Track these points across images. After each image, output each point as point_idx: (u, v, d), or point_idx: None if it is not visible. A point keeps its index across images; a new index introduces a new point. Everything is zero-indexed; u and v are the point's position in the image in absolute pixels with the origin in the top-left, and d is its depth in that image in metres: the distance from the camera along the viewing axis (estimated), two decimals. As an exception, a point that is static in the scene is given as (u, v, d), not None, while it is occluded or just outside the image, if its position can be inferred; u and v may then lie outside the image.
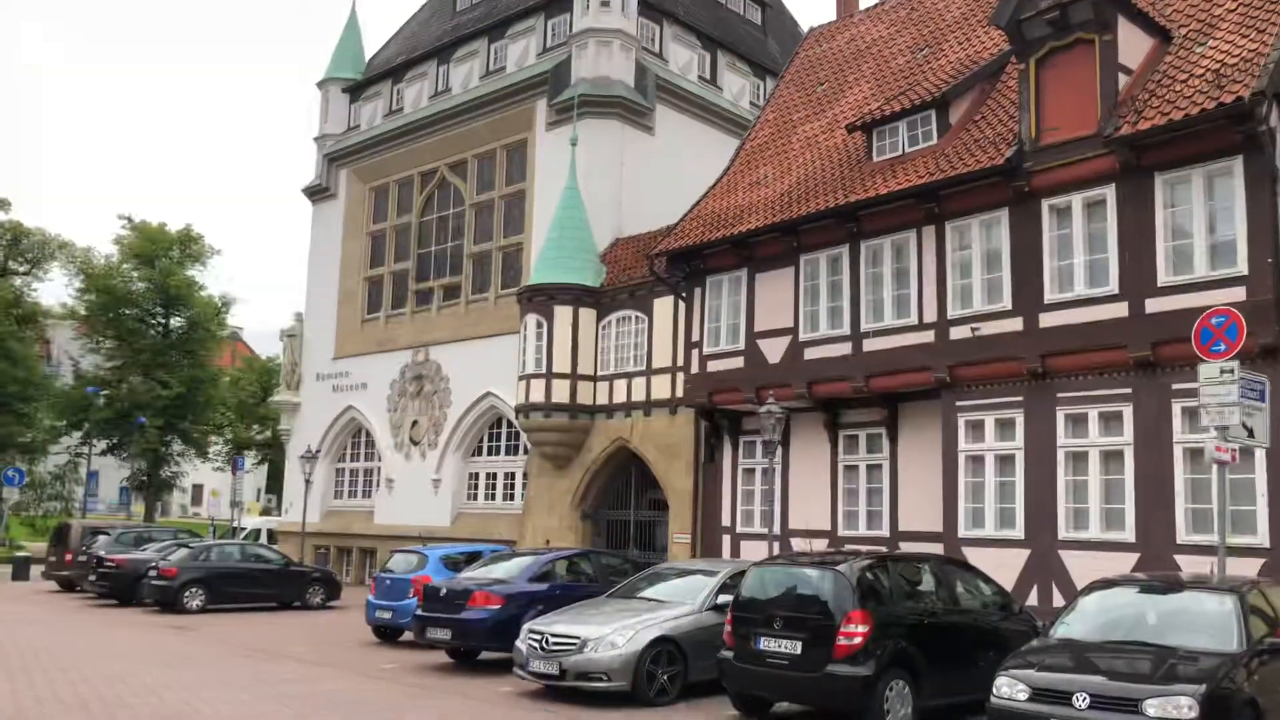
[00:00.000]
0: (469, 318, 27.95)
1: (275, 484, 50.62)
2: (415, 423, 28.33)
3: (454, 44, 30.06)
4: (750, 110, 28.54)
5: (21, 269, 46.62)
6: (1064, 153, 14.17)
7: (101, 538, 24.75)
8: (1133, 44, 14.12)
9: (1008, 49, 16.04)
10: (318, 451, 29.15)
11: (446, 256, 29.38)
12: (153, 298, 43.18)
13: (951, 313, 15.58)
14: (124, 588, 22.73)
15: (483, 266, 28.19)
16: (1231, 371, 10.15)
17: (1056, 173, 14.31)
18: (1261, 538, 12.09)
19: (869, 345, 16.68)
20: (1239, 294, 12.30)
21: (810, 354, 17.60)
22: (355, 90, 33.24)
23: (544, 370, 22.72)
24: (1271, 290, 12.21)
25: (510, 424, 25.87)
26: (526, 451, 24.81)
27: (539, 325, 22.94)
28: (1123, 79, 13.90)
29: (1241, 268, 12.53)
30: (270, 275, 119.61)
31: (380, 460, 29.48)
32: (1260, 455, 11.86)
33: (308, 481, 27.61)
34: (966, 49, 18.69)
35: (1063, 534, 13.94)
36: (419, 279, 30.05)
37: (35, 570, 29.61)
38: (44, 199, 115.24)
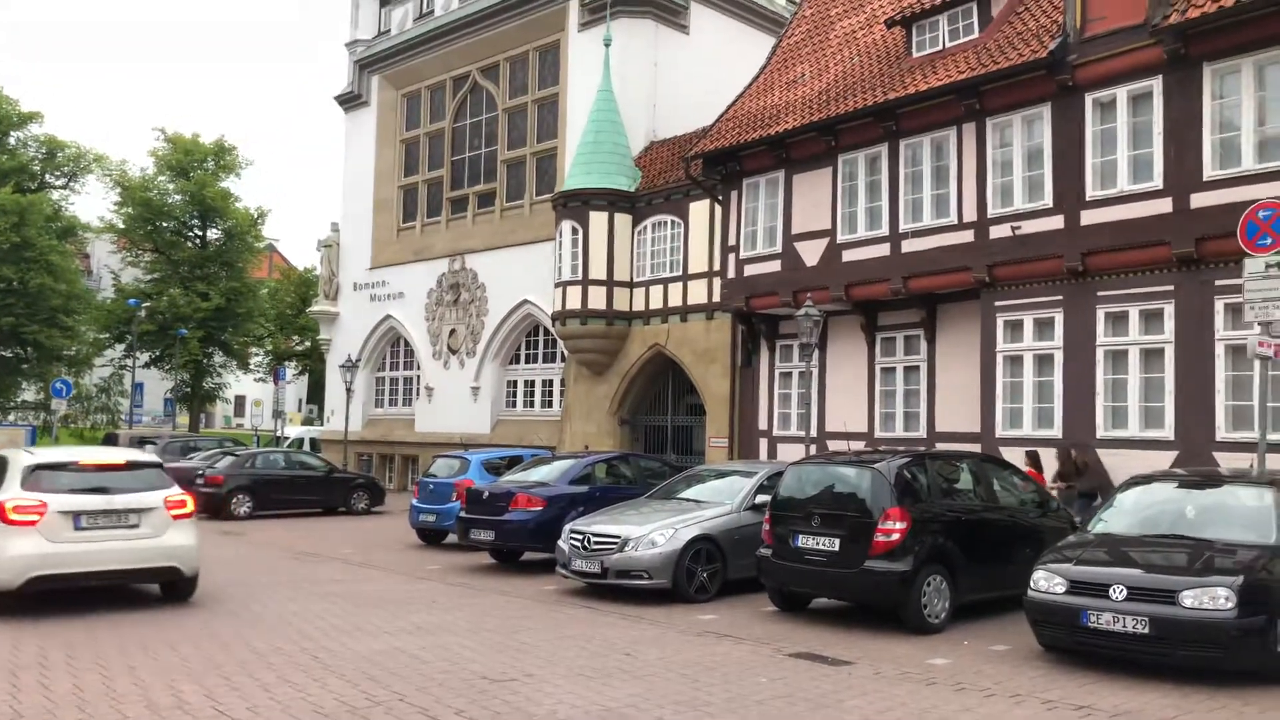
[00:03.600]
0: (504, 225, 27.96)
1: (316, 394, 51.58)
2: (453, 331, 28.63)
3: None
4: (787, 7, 27.79)
5: (58, 183, 47.01)
6: (1110, 44, 13.76)
7: (149, 447, 25.48)
8: (1187, -73, 13.52)
9: (1055, -65, 15.43)
10: (357, 361, 29.62)
11: (481, 163, 29.26)
12: (189, 210, 43.46)
13: (991, 211, 15.39)
14: (173, 495, 23.35)
15: (517, 173, 28.07)
16: (1278, 265, 10.01)
17: (1101, 65, 13.93)
18: (1302, 434, 12.04)
19: (907, 246, 16.54)
20: (1289, 187, 12.03)
21: (848, 256, 17.49)
22: (381, -8, 32.75)
23: (580, 277, 22.78)
24: (1323, 183, 11.93)
25: (547, 331, 26.09)
26: (564, 359, 25.06)
27: (574, 231, 22.92)
28: (1175, -36, 13.38)
29: (1293, 160, 12.23)
30: (306, 185, 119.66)
31: (419, 369, 29.92)
32: (1304, 352, 11.73)
33: (349, 390, 28.13)
34: (1011, -64, 17.99)
35: (1101, 433, 13.98)
36: (453, 187, 30.01)
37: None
38: (77, 113, 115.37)
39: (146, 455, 11.85)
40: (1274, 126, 12.53)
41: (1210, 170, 12.98)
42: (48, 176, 46.66)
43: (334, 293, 33.25)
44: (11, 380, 44.08)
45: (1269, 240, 10.22)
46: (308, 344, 49.26)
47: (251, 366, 49.91)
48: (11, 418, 44.67)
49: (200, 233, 44.68)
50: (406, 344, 30.77)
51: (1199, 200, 13.00)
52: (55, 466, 10.29)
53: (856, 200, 17.47)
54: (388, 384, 31.86)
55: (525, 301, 26.41)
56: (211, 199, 42.83)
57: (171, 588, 10.88)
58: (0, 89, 53.19)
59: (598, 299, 22.73)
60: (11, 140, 44.80)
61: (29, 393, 47.93)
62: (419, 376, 30.01)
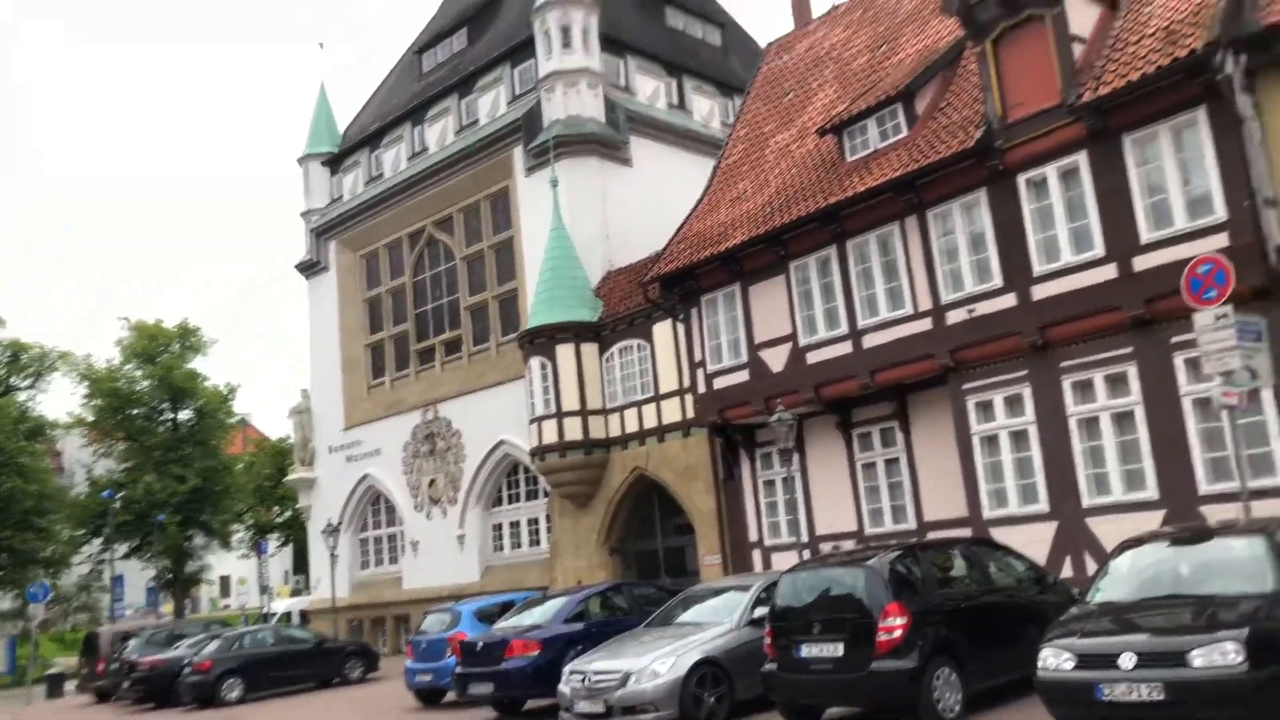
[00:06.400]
0: (474, 370, 28.12)
1: (302, 563, 50.55)
2: (433, 481, 28.41)
3: (425, 104, 30.48)
4: (721, 129, 28.83)
5: (24, 384, 46.87)
6: (1032, 127, 14.35)
7: (132, 641, 24.72)
8: (1082, 13, 14.33)
9: (963, 35, 16.25)
10: (339, 524, 29.21)
11: (444, 312, 29.61)
12: (158, 394, 43.39)
13: (945, 298, 15.71)
14: (160, 689, 22.47)
15: (481, 317, 28.39)
16: (1226, 316, 10.25)
17: (1027, 147, 14.49)
18: (1282, 477, 12.10)
19: (869, 341, 16.79)
20: (1222, 240, 12.42)
21: (813, 358, 17.70)
22: (334, 162, 33.68)
23: (554, 410, 22.83)
24: (1252, 232, 12.33)
25: (527, 469, 25.95)
26: (547, 494, 24.87)
27: (543, 367, 23.09)
28: (1077, 48, 14.10)
29: (1220, 214, 12.66)
30: (275, 355, 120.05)
31: (402, 524, 29.53)
32: (1268, 395, 11.91)
33: (333, 555, 27.64)
34: (923, 40, 18.94)
35: (1086, 501, 13.97)
36: (419, 338, 30.26)
37: (69, 685, 29.47)
38: (40, 306, 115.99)
39: None
40: (1198, 185, 13.01)
41: (1147, 233, 13.38)
42: (13, 380, 46.57)
43: (309, 458, 33.02)
44: (-15, 589, 42.93)
45: (1213, 293, 10.49)
46: (288, 513, 48.59)
47: (233, 544, 49.03)
48: (-12, 628, 43.33)
49: (171, 415, 44.52)
50: (387, 501, 30.44)
51: (1141, 263, 13.36)
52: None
53: (813, 303, 17.79)
54: (372, 544, 31.36)
55: (502, 442, 26.34)
56: (180, 381, 42.86)
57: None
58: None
59: (574, 430, 22.73)
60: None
61: (4, 601, 46.63)
62: (403, 532, 29.59)
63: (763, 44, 26.64)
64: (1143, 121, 13.42)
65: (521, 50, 27.59)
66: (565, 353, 23.00)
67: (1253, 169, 12.46)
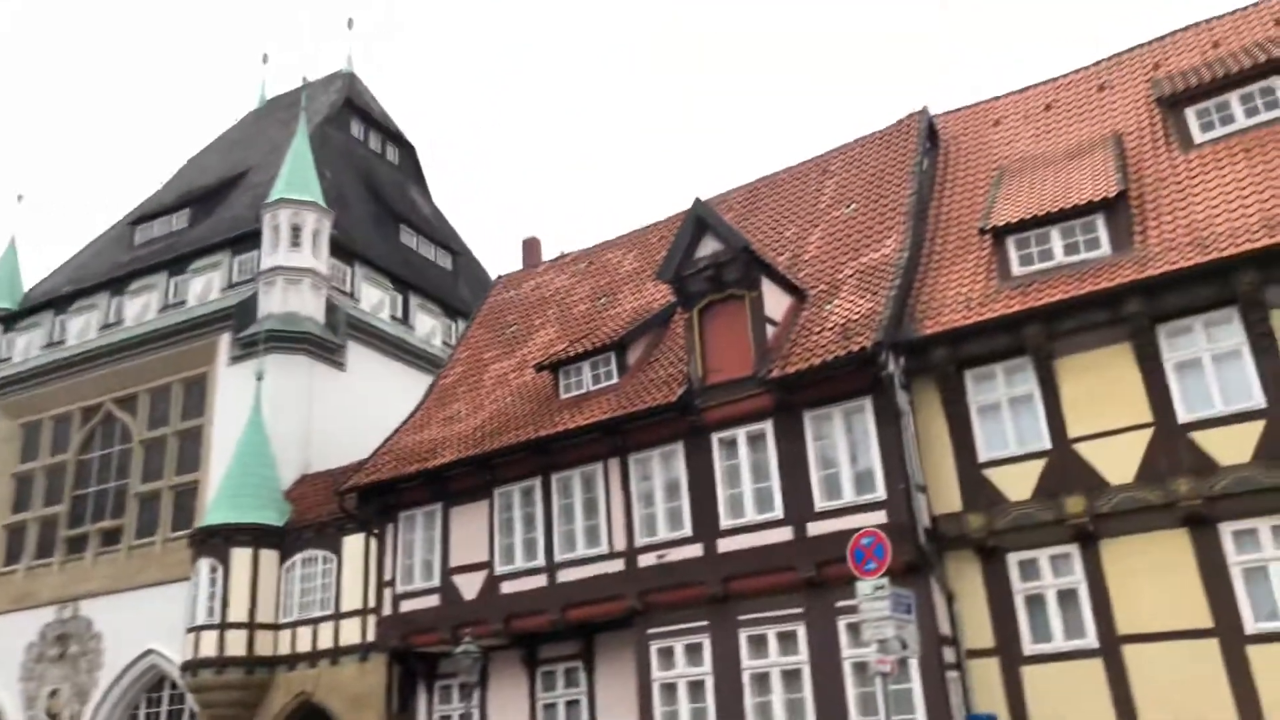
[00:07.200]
0: (131, 565, 25.24)
1: None
2: (55, 692, 24.60)
3: (130, 276, 28.72)
4: (442, 349, 29.20)
5: None
6: (727, 392, 15.69)
7: None
8: (776, 300, 16.21)
9: (674, 300, 17.78)
10: (-76, 737, 24.38)
11: (108, 498, 26.70)
12: None
13: (639, 540, 16.25)
14: None
15: (151, 508, 25.83)
16: (883, 587, 11.34)
17: (722, 410, 15.75)
18: (922, 743, 13.10)
19: (564, 576, 16.89)
20: (881, 517, 13.87)
21: (507, 588, 17.51)
22: (9, 320, 30.57)
23: (218, 620, 20.81)
24: (906, 512, 13.89)
25: (175, 686, 23.15)
26: (193, 717, 22.17)
27: (214, 570, 21.19)
28: (771, 329, 15.82)
29: (880, 493, 14.20)
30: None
31: (7, 742, 25.10)
32: (914, 665, 13.05)
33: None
34: (640, 298, 20.49)
35: (753, 756, 14.34)
36: (73, 524, 26.91)
37: None
38: None
39: None
40: (863, 464, 14.60)
41: (820, 502, 14.70)
42: None
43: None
44: None
45: (873, 565, 11.63)
46: None
47: None
48: None
49: None
50: (-8, 712, 25.89)
51: (814, 529, 14.58)
52: None
53: (513, 532, 17.80)
54: (-39, 765, 26.28)
55: (150, 651, 23.47)
56: None
57: None
58: None
59: (237, 644, 20.73)
60: None
61: None
62: (6, 752, 25.10)
63: (493, 275, 27.73)
64: (820, 402, 15.05)
65: (246, 240, 26.97)
66: (241, 556, 21.30)
67: (907, 456, 14.21)
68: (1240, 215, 13.38)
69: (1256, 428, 12.48)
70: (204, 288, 27.20)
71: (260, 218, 26.07)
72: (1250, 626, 12.09)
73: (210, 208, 30.54)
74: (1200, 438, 12.78)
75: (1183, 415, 12.98)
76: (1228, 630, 12.17)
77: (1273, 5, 17.28)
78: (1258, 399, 12.61)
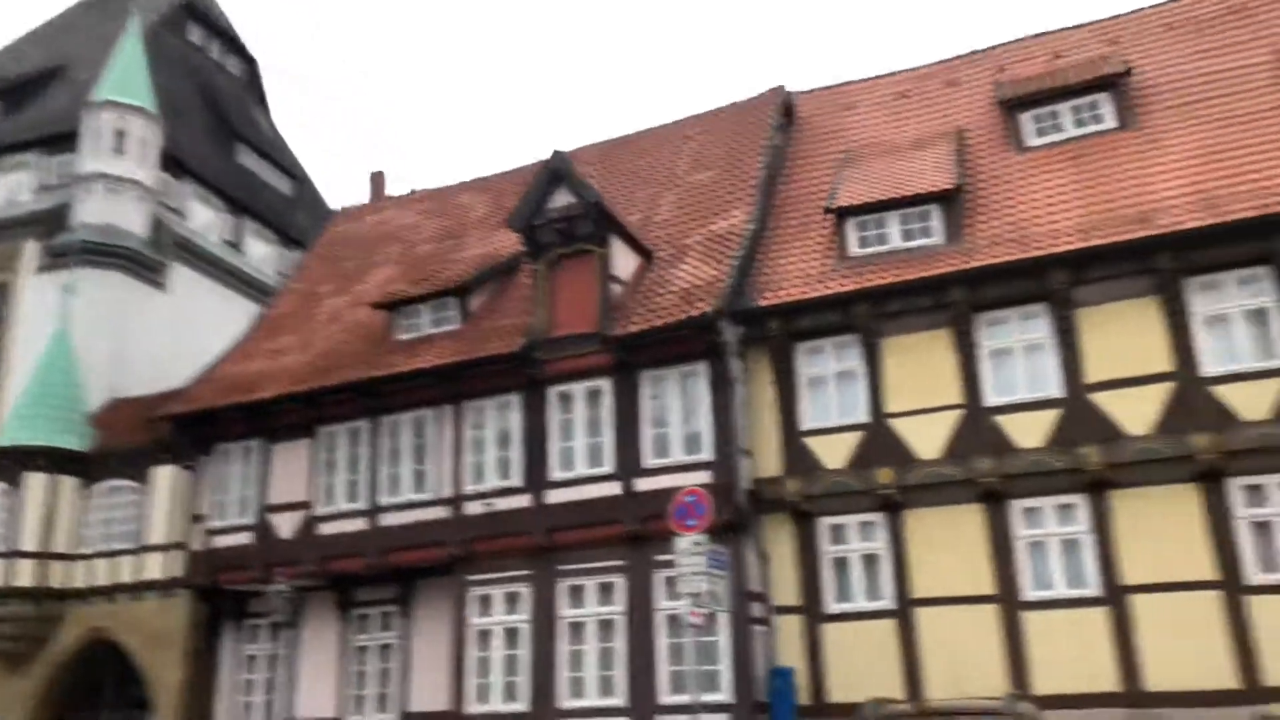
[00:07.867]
0: (-94, 485, 23.23)
1: None
2: None
3: (-76, 170, 26.12)
4: (275, 278, 27.92)
5: None
6: (569, 347, 15.74)
7: None
8: (624, 259, 16.33)
9: (523, 250, 17.62)
10: None
11: (-117, 411, 24.43)
12: None
13: (466, 488, 16.17)
14: None
15: (-67, 424, 23.82)
16: (700, 543, 11.72)
17: (563, 364, 15.80)
18: (726, 694, 13.68)
19: (386, 520, 16.65)
20: (706, 477, 14.28)
21: (325, 529, 17.12)
22: None
23: (7, 548, 19.47)
24: (729, 475, 14.36)
25: (-49, 615, 21.53)
26: (-28, 648, 20.72)
27: (4, 495, 19.78)
28: (617, 288, 15.94)
29: (707, 454, 14.64)
30: None
31: None
32: (724, 619, 13.56)
33: None
34: (488, 245, 20.18)
35: (562, 703, 14.63)
36: None
37: None
38: None
39: None
40: (694, 426, 14.97)
41: (649, 459, 15.02)
42: None
43: None
44: None
45: (694, 522, 11.99)
46: None
47: None
48: None
49: None
50: None
51: (642, 485, 14.89)
52: None
53: (336, 473, 17.39)
54: None
55: (-74, 579, 21.74)
56: None
57: None
58: None
59: (26, 575, 19.46)
60: None
61: None
62: None
63: (334, 206, 26.72)
64: (658, 363, 15.31)
65: (62, 141, 24.92)
66: (36, 482, 19.94)
67: (736, 421, 14.66)
68: (1061, 217, 14.33)
69: (1051, 415, 13.49)
70: (12, 188, 25.03)
71: (80, 118, 24.14)
72: (1027, 594, 13.17)
73: (24, 100, 28.03)
74: (1004, 421, 13.71)
75: (990, 399, 13.89)
76: (1007, 596, 13.21)
77: (1111, 26, 18.44)
78: (1055, 389, 13.62)
